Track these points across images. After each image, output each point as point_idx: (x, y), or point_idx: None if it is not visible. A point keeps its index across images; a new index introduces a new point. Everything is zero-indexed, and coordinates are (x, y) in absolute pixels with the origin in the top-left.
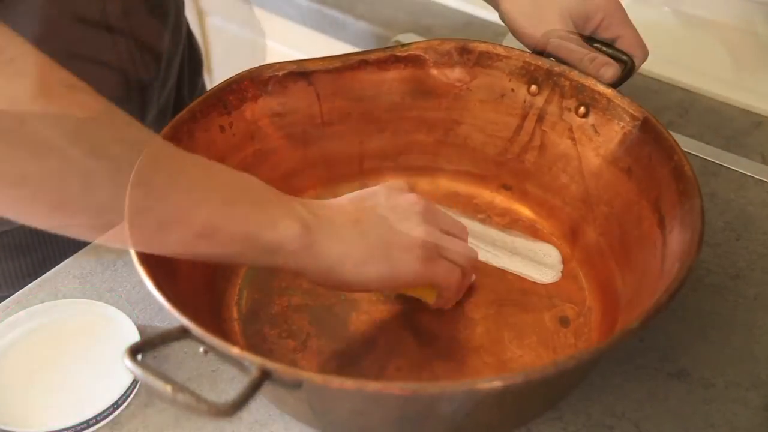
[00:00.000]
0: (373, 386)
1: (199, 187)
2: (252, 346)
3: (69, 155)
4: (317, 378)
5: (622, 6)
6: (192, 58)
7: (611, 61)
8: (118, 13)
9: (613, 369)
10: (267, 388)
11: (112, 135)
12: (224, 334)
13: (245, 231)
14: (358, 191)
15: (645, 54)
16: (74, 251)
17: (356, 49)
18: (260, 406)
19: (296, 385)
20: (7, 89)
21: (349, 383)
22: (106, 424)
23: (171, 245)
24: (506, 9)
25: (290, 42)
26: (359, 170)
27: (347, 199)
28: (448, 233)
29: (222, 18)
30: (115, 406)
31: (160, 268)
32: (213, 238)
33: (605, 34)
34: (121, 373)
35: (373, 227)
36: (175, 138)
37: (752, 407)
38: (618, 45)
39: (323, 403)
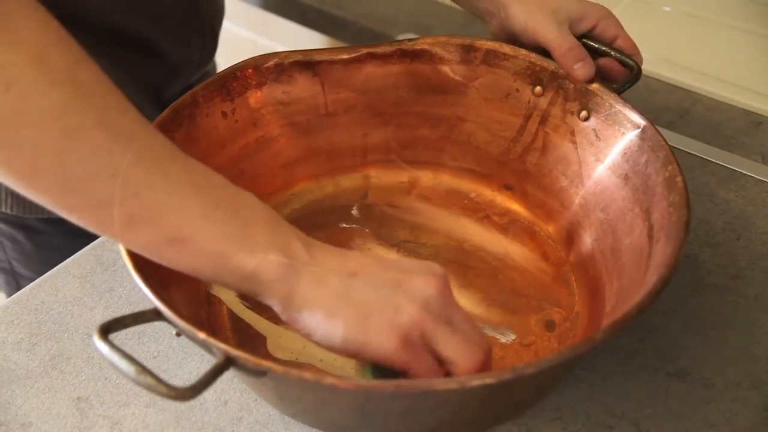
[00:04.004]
0: (330, 380)
1: (179, 193)
2: (238, 330)
3: (46, 130)
4: (278, 368)
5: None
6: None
7: (588, 58)
8: None
9: (613, 369)
10: (240, 375)
11: (97, 119)
12: (213, 318)
13: (217, 249)
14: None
15: (640, 60)
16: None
17: None
18: (261, 407)
19: (260, 373)
20: (1, 56)
21: (307, 375)
22: (107, 424)
23: (137, 243)
24: (515, 12)
25: (290, 41)
26: (362, 162)
27: (366, 255)
28: (451, 327)
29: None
30: None
31: None
32: (182, 247)
33: (606, 35)
34: None
35: (364, 288)
36: (175, 121)
37: (752, 407)
38: (616, 45)
39: (289, 392)
